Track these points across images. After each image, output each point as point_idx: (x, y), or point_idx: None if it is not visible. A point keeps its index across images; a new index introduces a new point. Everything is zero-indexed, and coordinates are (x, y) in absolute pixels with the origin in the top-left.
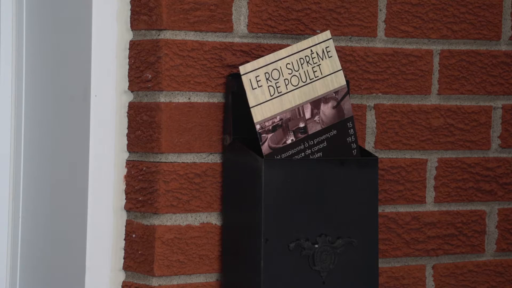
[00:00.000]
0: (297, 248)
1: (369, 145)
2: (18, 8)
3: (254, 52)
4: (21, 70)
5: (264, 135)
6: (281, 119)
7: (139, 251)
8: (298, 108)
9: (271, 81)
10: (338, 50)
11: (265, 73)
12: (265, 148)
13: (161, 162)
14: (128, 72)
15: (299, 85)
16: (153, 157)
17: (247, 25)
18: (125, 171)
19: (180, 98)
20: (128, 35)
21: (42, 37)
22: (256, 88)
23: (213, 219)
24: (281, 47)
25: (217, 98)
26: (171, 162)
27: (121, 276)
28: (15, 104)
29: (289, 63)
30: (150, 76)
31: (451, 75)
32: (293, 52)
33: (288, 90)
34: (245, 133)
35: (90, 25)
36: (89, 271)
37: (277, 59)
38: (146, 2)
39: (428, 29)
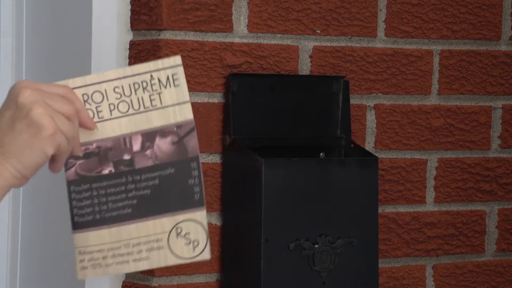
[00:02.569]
0: (297, 248)
1: (369, 145)
2: (18, 8)
3: (254, 52)
4: (21, 70)
5: (71, 160)
6: (98, 147)
7: None
8: (124, 138)
9: (90, 104)
10: (338, 50)
11: (83, 95)
12: (70, 173)
13: None
14: None
15: (129, 113)
16: None
17: (247, 25)
18: None
19: None
20: (128, 35)
21: (42, 37)
22: None
23: (213, 219)
24: (281, 47)
25: (217, 98)
26: None
27: (121, 276)
28: None
29: (118, 87)
30: None
31: (451, 75)
32: (126, 75)
33: (113, 117)
34: (245, 133)
35: (90, 25)
36: None
37: (101, 81)
38: (146, 2)
39: (428, 29)
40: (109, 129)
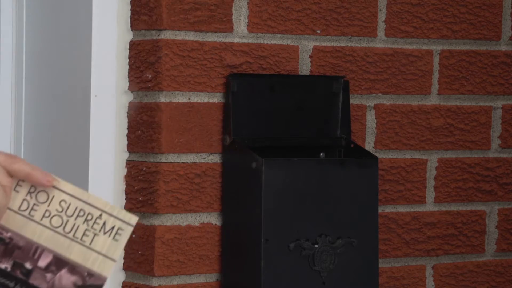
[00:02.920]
0: (297, 248)
1: (369, 145)
2: (18, 8)
3: (254, 52)
4: (21, 70)
5: None
6: (10, 239)
7: (139, 251)
8: (37, 248)
9: (31, 198)
10: (338, 50)
11: (31, 186)
12: None
13: (161, 162)
14: (128, 72)
15: (57, 230)
16: (153, 157)
17: (247, 25)
18: (125, 171)
19: (180, 98)
20: (128, 35)
21: (42, 37)
22: (19, 191)
23: (213, 219)
24: (281, 47)
25: (217, 98)
26: (171, 162)
27: (121, 276)
28: (15, 104)
29: (65, 202)
30: (150, 76)
31: (451, 75)
32: (80, 198)
33: (41, 223)
34: (245, 133)
35: (90, 25)
36: None
37: (55, 187)
38: (146, 2)
39: (428, 29)
40: (31, 230)
